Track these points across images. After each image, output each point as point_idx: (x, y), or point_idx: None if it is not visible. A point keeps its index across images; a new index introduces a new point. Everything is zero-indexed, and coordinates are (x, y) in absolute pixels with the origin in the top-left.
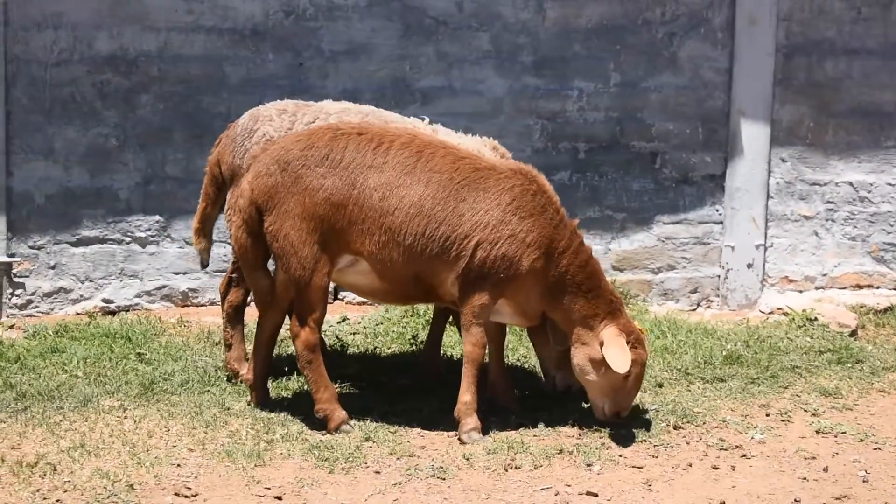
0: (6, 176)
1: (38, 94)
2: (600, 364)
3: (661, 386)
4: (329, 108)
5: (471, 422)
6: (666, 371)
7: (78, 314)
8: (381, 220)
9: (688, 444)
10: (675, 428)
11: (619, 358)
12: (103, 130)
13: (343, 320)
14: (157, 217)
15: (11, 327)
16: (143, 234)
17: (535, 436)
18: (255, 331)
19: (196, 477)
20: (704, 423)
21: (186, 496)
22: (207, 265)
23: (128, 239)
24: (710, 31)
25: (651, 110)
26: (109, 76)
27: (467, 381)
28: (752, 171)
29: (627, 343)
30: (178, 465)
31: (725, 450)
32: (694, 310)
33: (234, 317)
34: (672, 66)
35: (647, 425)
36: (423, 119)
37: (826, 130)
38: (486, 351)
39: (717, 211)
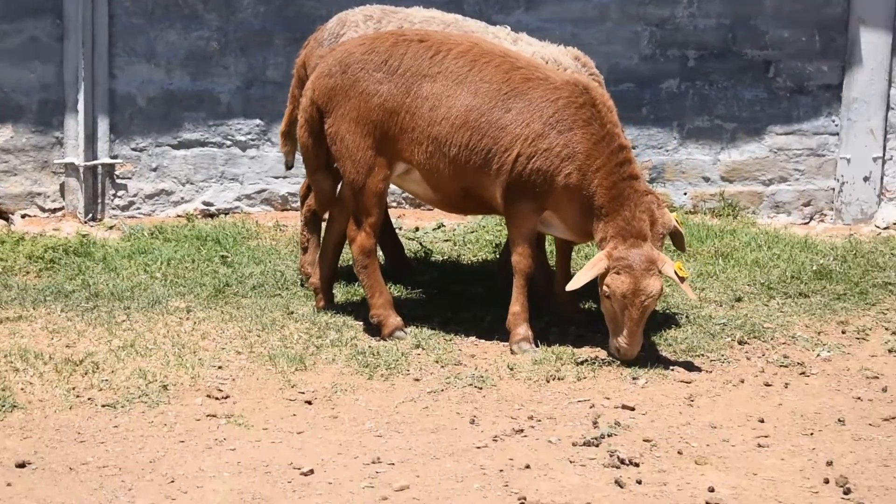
0: (109, 78)
1: None
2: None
3: (739, 300)
4: (414, 16)
5: (521, 332)
6: (749, 285)
7: (178, 216)
8: (429, 129)
9: (748, 359)
10: (740, 343)
11: (575, 278)
12: (204, 34)
13: (439, 227)
14: (258, 121)
15: (111, 228)
16: (243, 138)
17: (589, 348)
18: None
19: (234, 380)
20: (772, 339)
21: (217, 398)
22: (292, 167)
23: (228, 142)
24: None
25: (765, 17)
26: None
27: (516, 292)
28: (872, 81)
29: (613, 270)
30: (220, 368)
31: (785, 367)
32: (807, 223)
33: (312, 221)
34: None
35: (710, 339)
36: (505, 28)
37: None
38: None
39: (833, 122)
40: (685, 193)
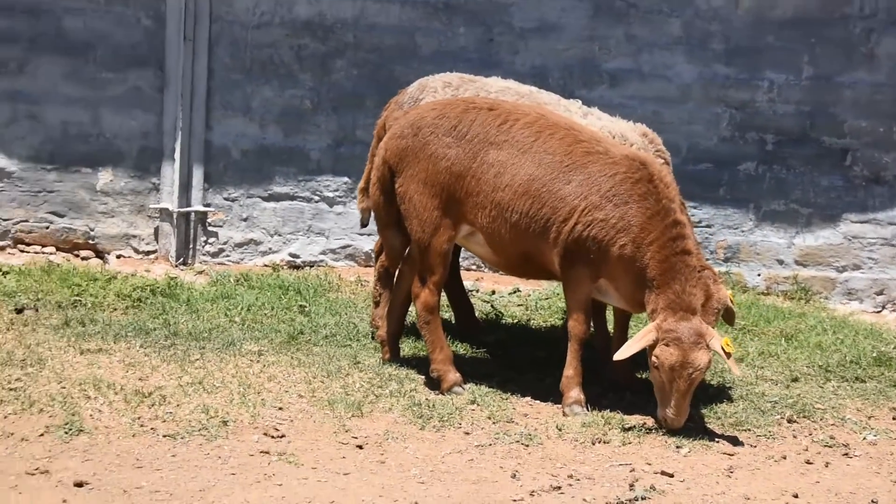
0: (206, 129)
1: (238, 54)
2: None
3: (795, 380)
4: (490, 86)
5: (573, 395)
6: (807, 366)
7: (265, 266)
8: (493, 195)
9: (794, 437)
10: (789, 421)
11: (623, 348)
12: (298, 92)
13: (514, 291)
14: (346, 178)
15: (200, 272)
16: (331, 195)
17: (639, 415)
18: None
19: (292, 420)
20: (821, 420)
21: (273, 436)
22: (367, 224)
23: (316, 198)
24: None
25: (844, 106)
26: (307, 41)
27: (570, 356)
28: None
29: (662, 342)
30: (280, 409)
31: (830, 447)
32: (879, 311)
33: (385, 276)
34: (868, 63)
35: (759, 415)
36: (577, 101)
37: None
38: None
39: None
40: (759, 275)
